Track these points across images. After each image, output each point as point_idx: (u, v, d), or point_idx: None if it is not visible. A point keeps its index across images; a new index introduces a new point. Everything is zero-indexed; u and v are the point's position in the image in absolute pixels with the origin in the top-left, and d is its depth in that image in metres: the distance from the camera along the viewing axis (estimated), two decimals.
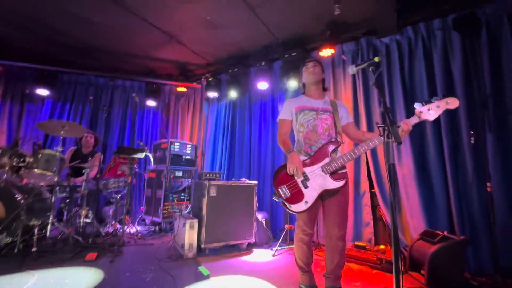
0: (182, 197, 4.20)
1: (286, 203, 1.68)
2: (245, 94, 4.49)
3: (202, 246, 2.79)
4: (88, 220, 3.24)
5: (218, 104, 4.89)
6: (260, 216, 3.39)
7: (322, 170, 1.67)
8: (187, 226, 2.73)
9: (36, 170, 2.88)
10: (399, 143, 1.07)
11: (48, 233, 2.80)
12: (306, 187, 1.67)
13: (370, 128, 3.16)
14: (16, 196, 2.68)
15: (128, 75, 4.93)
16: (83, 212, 3.19)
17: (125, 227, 3.55)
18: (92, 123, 4.85)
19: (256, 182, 3.27)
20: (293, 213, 1.71)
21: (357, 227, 3.13)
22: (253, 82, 4.30)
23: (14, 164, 2.83)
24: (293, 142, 1.88)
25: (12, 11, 3.33)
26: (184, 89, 5.02)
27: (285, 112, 1.90)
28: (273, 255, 2.88)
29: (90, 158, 3.42)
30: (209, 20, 3.41)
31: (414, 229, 2.71)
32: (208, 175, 3.15)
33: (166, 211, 3.94)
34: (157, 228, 3.95)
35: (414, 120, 1.50)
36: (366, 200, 3.13)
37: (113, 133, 4.92)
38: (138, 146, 3.72)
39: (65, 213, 3.31)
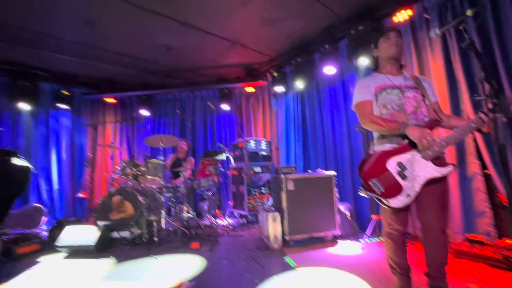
0: (263, 191, 4.45)
1: (382, 199, 1.42)
2: (311, 83, 4.34)
3: (287, 238, 2.90)
4: (189, 215, 3.85)
5: (285, 98, 4.90)
6: (342, 207, 3.25)
7: (423, 156, 1.41)
8: (270, 219, 2.88)
9: (148, 176, 3.61)
10: (510, 119, 0.83)
11: (161, 227, 3.47)
12: (404, 177, 1.42)
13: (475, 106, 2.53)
14: (139, 197, 3.43)
15: (203, 85, 5.51)
16: (185, 208, 3.81)
17: (218, 220, 4.04)
18: (181, 132, 5.67)
19: (334, 172, 3.15)
20: (390, 208, 1.46)
21: (467, 217, 2.59)
22: (318, 69, 4.11)
23: (134, 173, 3.64)
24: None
25: (118, 53, 4.23)
26: (252, 89, 5.25)
27: (363, 92, 1.62)
28: (362, 248, 2.73)
29: (184, 163, 4.02)
30: (265, 17, 3.45)
31: None
32: (283, 169, 3.23)
33: (250, 205, 4.26)
34: (244, 220, 4.32)
35: None
36: (478, 184, 2.56)
37: (198, 139, 5.62)
38: (219, 148, 4.14)
39: (172, 210, 4.01)
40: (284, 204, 2.95)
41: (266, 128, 5.22)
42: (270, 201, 4.31)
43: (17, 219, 3.88)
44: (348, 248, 2.78)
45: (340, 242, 2.96)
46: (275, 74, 4.68)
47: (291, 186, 2.99)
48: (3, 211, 3.21)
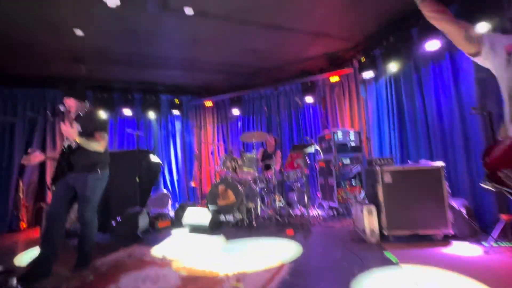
0: (353, 183, 4.29)
1: None
2: (408, 63, 3.84)
3: (385, 232, 2.76)
4: (281, 204, 4.14)
5: (376, 84, 4.52)
6: (456, 203, 2.81)
7: None
8: (365, 211, 2.80)
9: (244, 168, 4.10)
10: None
11: (259, 213, 3.89)
12: None
13: None
14: (239, 187, 3.95)
15: (285, 81, 5.69)
16: (277, 198, 4.13)
17: (309, 211, 4.18)
18: (268, 127, 6.05)
19: (442, 163, 2.75)
20: None
21: None
22: (417, 46, 3.60)
23: (233, 166, 4.19)
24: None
25: (214, 63, 4.90)
26: (336, 78, 5.07)
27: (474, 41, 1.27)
28: (485, 252, 2.31)
29: (273, 156, 4.33)
30: (347, 1, 3.28)
31: None
32: (378, 161, 3.04)
33: (340, 197, 4.20)
34: (335, 212, 4.30)
35: None
36: None
37: (284, 133, 5.87)
38: (306, 141, 4.25)
39: (266, 199, 4.40)
40: (381, 197, 2.80)
41: (354, 118, 4.96)
42: (362, 194, 4.13)
43: (154, 201, 5.12)
44: (465, 250, 2.41)
45: (454, 243, 2.59)
46: (362, 59, 4.37)
47: (388, 179, 2.81)
48: (147, 196, 4.33)
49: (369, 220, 2.78)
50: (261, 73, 5.44)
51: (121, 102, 5.42)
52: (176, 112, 5.92)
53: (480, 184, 1.29)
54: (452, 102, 3.27)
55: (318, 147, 4.11)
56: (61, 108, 2.36)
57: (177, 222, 3.97)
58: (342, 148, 4.39)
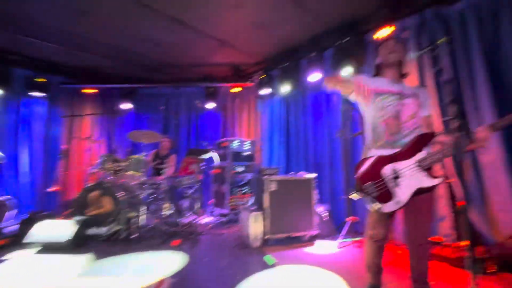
0: (245, 191, 4.51)
1: (375, 203, 1.50)
2: (297, 88, 4.48)
3: (267, 237, 2.99)
4: (169, 212, 3.81)
5: (271, 100, 5.01)
6: (321, 208, 3.41)
7: (418, 165, 1.46)
8: (252, 218, 2.95)
9: (129, 172, 3.54)
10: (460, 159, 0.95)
11: (141, 223, 3.41)
12: (397, 185, 1.47)
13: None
14: (118, 193, 3.35)
15: (189, 82, 5.46)
16: (166, 206, 3.77)
17: (198, 219, 4.04)
18: (164, 127, 5.57)
19: (314, 175, 3.30)
20: (379, 213, 1.53)
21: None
22: (304, 75, 4.26)
23: (114, 167, 3.54)
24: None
25: (105, 44, 4.09)
26: (239, 89, 5.30)
27: (362, 76, 1.69)
28: (338, 247, 2.89)
29: (166, 160, 3.98)
30: (256, 22, 3.53)
31: (505, 224, 2.34)
32: (266, 170, 3.32)
33: (231, 204, 4.31)
34: (225, 219, 4.35)
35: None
36: (441, 191, 2.82)
37: (181, 136, 5.56)
38: (203, 146, 4.15)
39: (152, 207, 3.95)
40: (267, 204, 3.04)
41: (251, 129, 5.29)
42: (251, 201, 4.40)
43: None
44: (325, 247, 2.94)
45: (317, 242, 3.11)
46: (262, 76, 4.77)
47: (273, 187, 3.09)
48: None
49: (254, 226, 2.95)
50: (163, 68, 4.99)
51: None
52: (36, 93, 4.52)
53: (348, 196, 1.58)
54: (324, 126, 4.03)
55: (215, 154, 4.09)
56: None
57: (20, 240, 2.92)
58: (237, 156, 4.57)
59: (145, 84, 5.30)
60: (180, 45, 4.14)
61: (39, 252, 2.76)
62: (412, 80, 3.03)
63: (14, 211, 3.98)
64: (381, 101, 1.58)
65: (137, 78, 5.26)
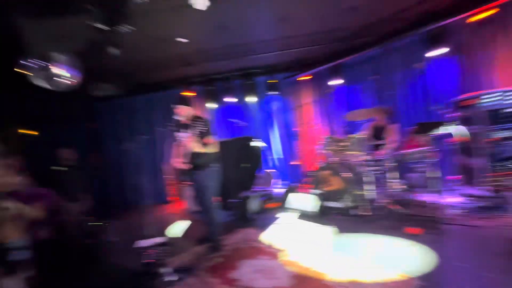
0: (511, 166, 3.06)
1: None
2: None
3: None
4: (399, 190, 3.50)
5: None
6: None
7: None
8: None
9: (351, 151, 3.66)
10: None
11: (370, 202, 3.43)
12: None
13: None
14: (344, 173, 3.59)
15: (401, 32, 4.44)
16: (394, 183, 3.50)
17: (439, 199, 3.34)
18: (378, 95, 5.06)
19: None
20: None
21: None
22: None
23: (337, 148, 3.82)
24: None
25: (308, 34, 4.43)
26: (486, 14, 3.49)
27: None
28: None
29: (384, 132, 3.62)
30: None
31: None
32: None
33: (493, 184, 3.10)
34: (483, 204, 3.24)
35: None
36: None
37: (400, 100, 4.79)
38: (435, 116, 3.25)
39: (379, 184, 3.81)
40: None
41: None
42: None
43: (258, 181, 5.48)
44: None
45: None
46: None
47: None
48: (253, 179, 4.68)
49: None
50: (364, 31, 4.48)
51: (223, 91, 5.90)
52: (272, 92, 5.90)
53: None
54: None
55: (456, 127, 3.09)
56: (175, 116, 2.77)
57: (284, 204, 4.08)
58: (496, 116, 3.13)
59: (349, 56, 5.06)
60: None
61: (298, 217, 3.64)
62: None
63: (277, 180, 5.65)
64: None
65: (340, 52, 5.15)
